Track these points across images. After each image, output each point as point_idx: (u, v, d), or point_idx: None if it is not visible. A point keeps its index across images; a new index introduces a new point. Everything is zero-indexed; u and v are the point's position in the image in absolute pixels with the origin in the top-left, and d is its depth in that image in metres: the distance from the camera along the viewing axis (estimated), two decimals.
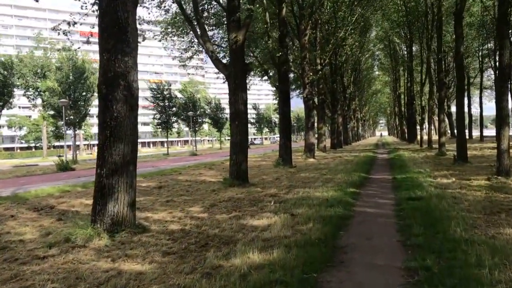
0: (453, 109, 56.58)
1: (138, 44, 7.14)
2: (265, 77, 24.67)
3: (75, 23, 10.38)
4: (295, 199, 8.85)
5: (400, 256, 4.95)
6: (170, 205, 9.05)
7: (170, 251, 5.37)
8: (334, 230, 6.16)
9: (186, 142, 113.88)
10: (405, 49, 41.95)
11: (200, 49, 24.84)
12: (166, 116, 51.15)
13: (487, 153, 21.01)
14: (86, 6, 10.43)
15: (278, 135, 35.90)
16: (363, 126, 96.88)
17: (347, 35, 29.00)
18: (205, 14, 21.63)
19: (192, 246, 5.54)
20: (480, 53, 40.42)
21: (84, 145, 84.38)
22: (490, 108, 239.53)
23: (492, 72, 38.76)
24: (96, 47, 6.81)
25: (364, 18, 32.96)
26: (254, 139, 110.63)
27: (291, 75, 33.27)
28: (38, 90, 44.10)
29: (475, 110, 60.69)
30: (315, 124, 27.42)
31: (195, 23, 13.84)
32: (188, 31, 22.16)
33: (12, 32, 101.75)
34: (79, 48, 19.93)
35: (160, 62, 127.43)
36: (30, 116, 79.27)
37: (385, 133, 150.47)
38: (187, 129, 71.80)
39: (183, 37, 23.77)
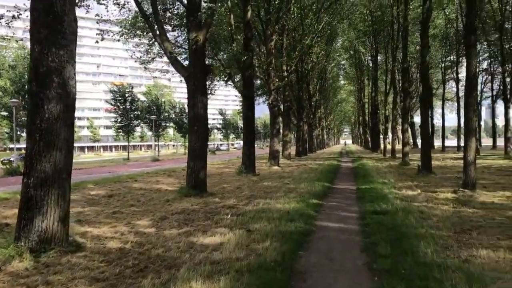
0: (416, 119, 58.24)
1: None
2: (230, 82, 23.88)
3: (20, 14, 9.98)
4: (254, 211, 8.24)
5: (366, 284, 4.35)
6: (116, 217, 8.17)
7: (100, 277, 4.56)
8: (294, 248, 5.59)
9: (149, 146, 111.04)
10: (370, 58, 42.51)
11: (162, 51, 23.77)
12: (127, 119, 49.03)
13: (449, 164, 21.16)
14: None
15: None
16: (328, 134, 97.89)
17: (314, 42, 29.02)
18: (168, 14, 20.82)
19: (128, 271, 4.74)
20: (443, 64, 41.48)
21: None
22: (451, 119, 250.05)
23: (454, 84, 39.85)
24: None
25: (331, 27, 33.07)
26: (220, 145, 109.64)
27: (257, 81, 32.84)
28: None
29: (437, 121, 62.77)
30: (281, 131, 27.00)
31: (153, 22, 13.00)
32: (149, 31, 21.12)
33: None
34: (21, 40, 18.64)
35: (125, 64, 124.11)
36: None
37: (349, 141, 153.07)
38: (150, 133, 69.84)
39: (140, 38, 22.54)
